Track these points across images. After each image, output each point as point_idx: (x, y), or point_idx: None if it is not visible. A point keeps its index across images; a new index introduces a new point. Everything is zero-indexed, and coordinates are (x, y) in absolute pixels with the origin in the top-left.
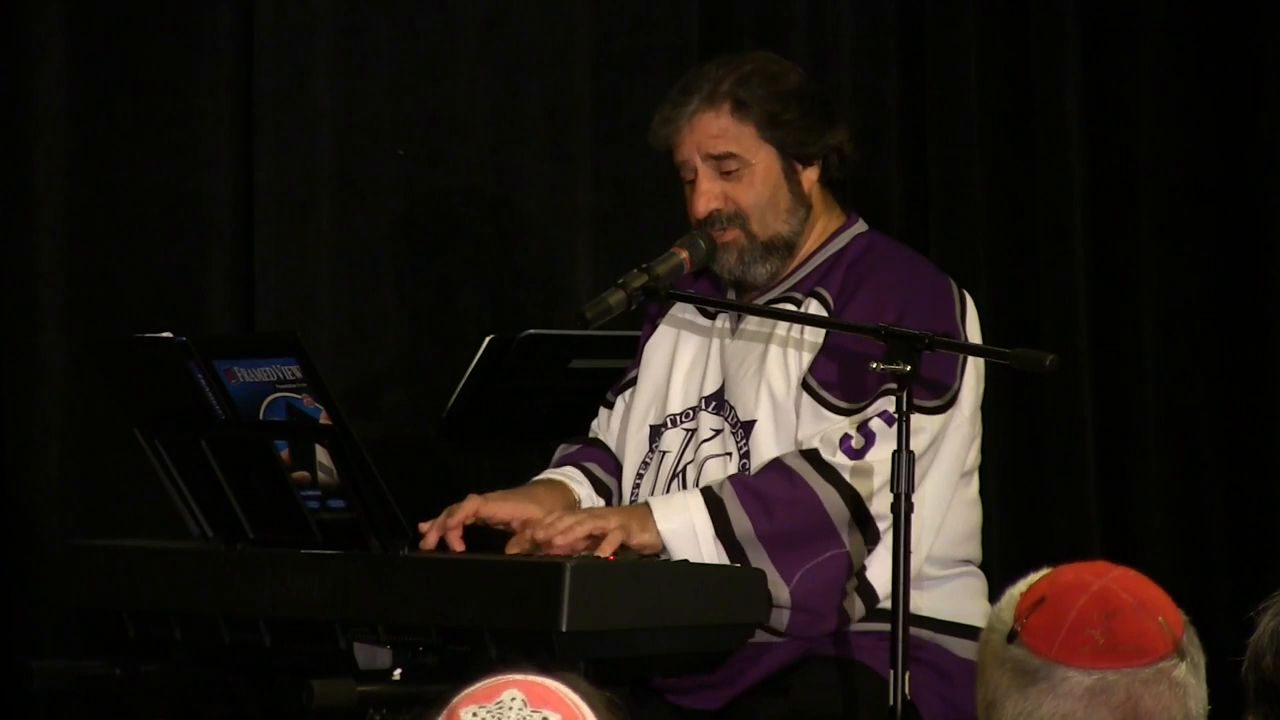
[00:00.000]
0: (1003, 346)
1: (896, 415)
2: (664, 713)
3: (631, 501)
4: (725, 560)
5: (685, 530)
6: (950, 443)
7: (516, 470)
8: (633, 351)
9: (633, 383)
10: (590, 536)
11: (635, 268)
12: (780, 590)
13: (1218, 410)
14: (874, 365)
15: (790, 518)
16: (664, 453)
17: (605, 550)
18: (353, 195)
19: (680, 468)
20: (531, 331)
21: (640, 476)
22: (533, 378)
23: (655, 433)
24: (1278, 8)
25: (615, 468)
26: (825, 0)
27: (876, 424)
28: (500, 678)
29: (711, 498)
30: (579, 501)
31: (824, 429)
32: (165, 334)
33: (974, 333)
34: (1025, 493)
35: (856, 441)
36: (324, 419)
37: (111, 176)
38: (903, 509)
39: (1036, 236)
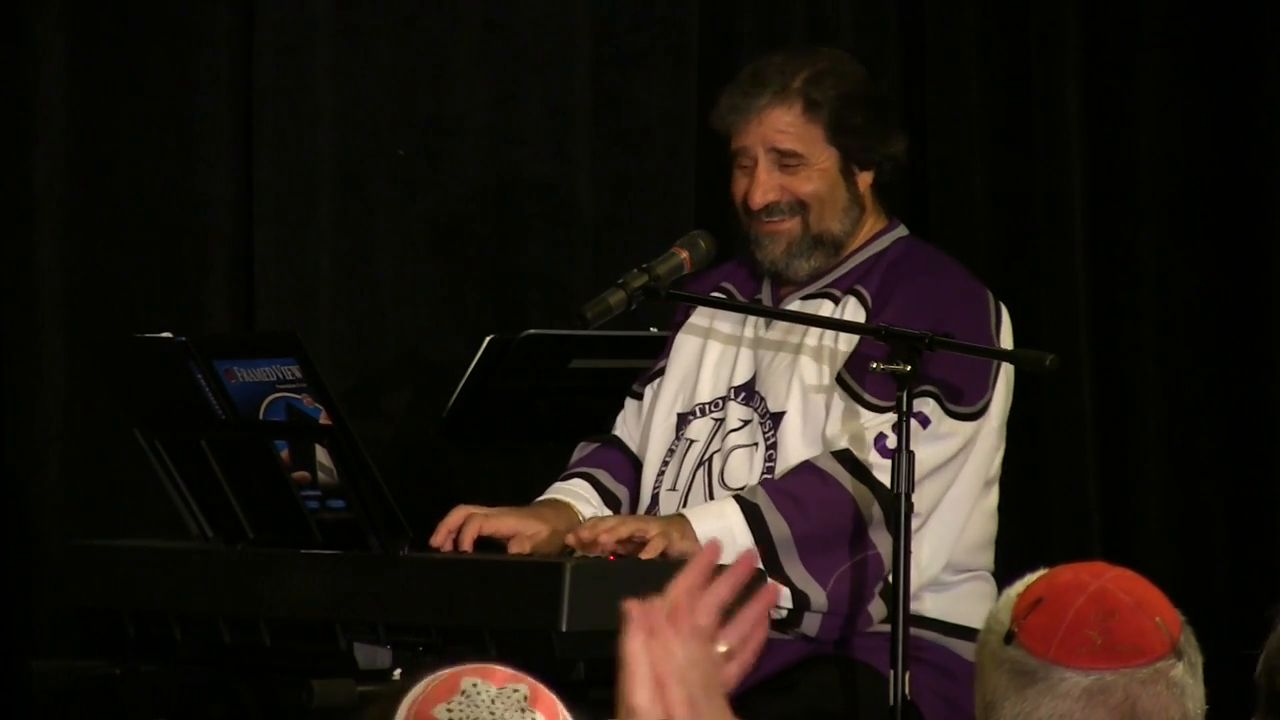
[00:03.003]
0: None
1: (898, 415)
2: None
3: (655, 488)
4: (762, 567)
5: (725, 537)
6: (978, 452)
7: (516, 470)
8: (632, 352)
9: (661, 372)
10: (630, 539)
11: (635, 268)
12: (817, 594)
13: (1218, 410)
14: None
15: (824, 519)
16: (691, 441)
17: (648, 555)
18: (353, 195)
19: (706, 457)
20: (531, 331)
21: (665, 464)
22: (533, 378)
23: (682, 421)
24: (1278, 8)
25: (629, 473)
26: (825, 1)
27: (910, 424)
28: (439, 674)
29: (746, 504)
30: (582, 521)
31: (855, 428)
32: (165, 334)
33: (1008, 345)
34: (1025, 493)
35: (891, 441)
36: (324, 419)
37: (111, 176)
38: (903, 509)
39: (1036, 236)
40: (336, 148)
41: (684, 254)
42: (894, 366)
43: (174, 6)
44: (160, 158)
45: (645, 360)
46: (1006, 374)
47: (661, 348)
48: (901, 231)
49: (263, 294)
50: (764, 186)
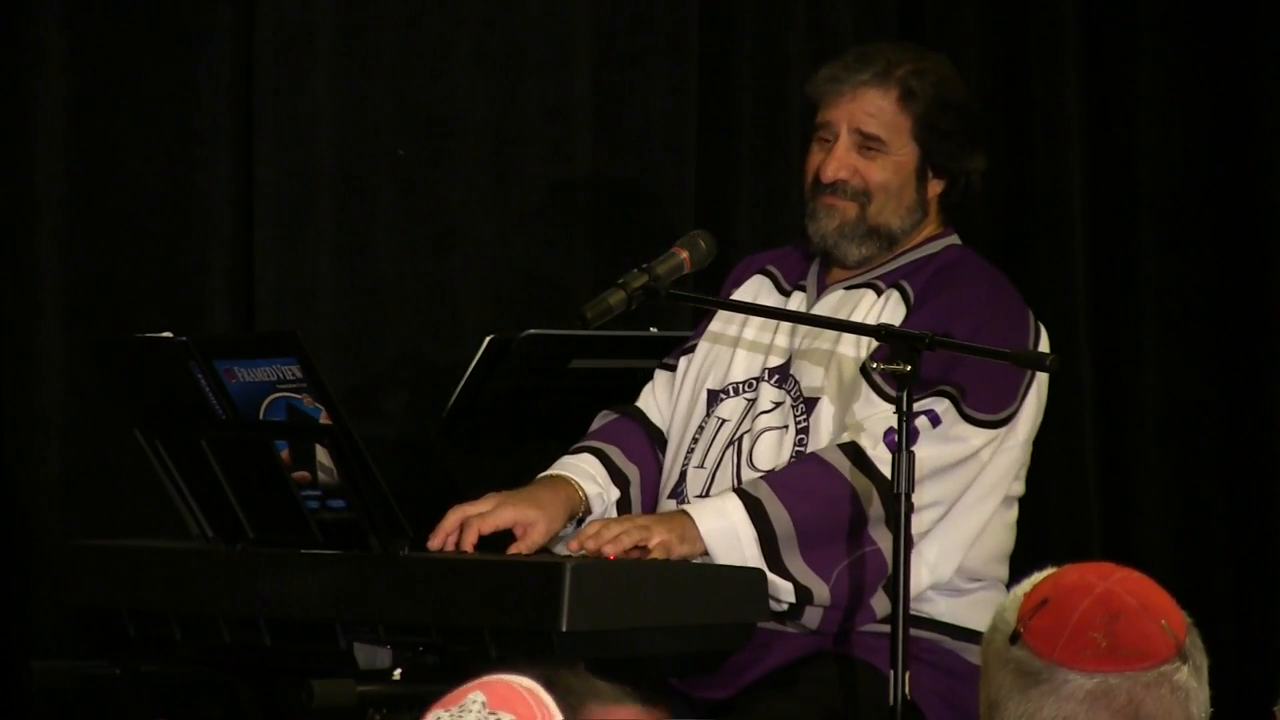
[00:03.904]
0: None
1: (898, 414)
2: (673, 701)
3: (684, 465)
4: (765, 565)
5: (728, 534)
6: (998, 463)
7: (516, 470)
8: (632, 352)
9: (694, 349)
10: (637, 546)
11: (635, 268)
12: (820, 589)
13: (1218, 409)
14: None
15: (826, 512)
16: (722, 421)
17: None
18: (353, 195)
19: (736, 436)
20: (531, 331)
21: (695, 440)
22: (533, 378)
23: (714, 399)
24: (1277, 8)
25: (644, 449)
26: (825, 0)
27: (921, 422)
28: (482, 679)
29: (749, 498)
30: (585, 500)
31: (869, 418)
32: (165, 334)
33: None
34: (1025, 493)
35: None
36: (324, 419)
37: (111, 176)
38: (903, 509)
39: (1036, 236)
40: (336, 148)
41: (684, 254)
42: (894, 366)
43: (174, 6)
44: (160, 158)
45: (645, 360)
46: (1039, 390)
47: (664, 347)
48: (955, 239)
49: (263, 294)
50: (838, 161)
